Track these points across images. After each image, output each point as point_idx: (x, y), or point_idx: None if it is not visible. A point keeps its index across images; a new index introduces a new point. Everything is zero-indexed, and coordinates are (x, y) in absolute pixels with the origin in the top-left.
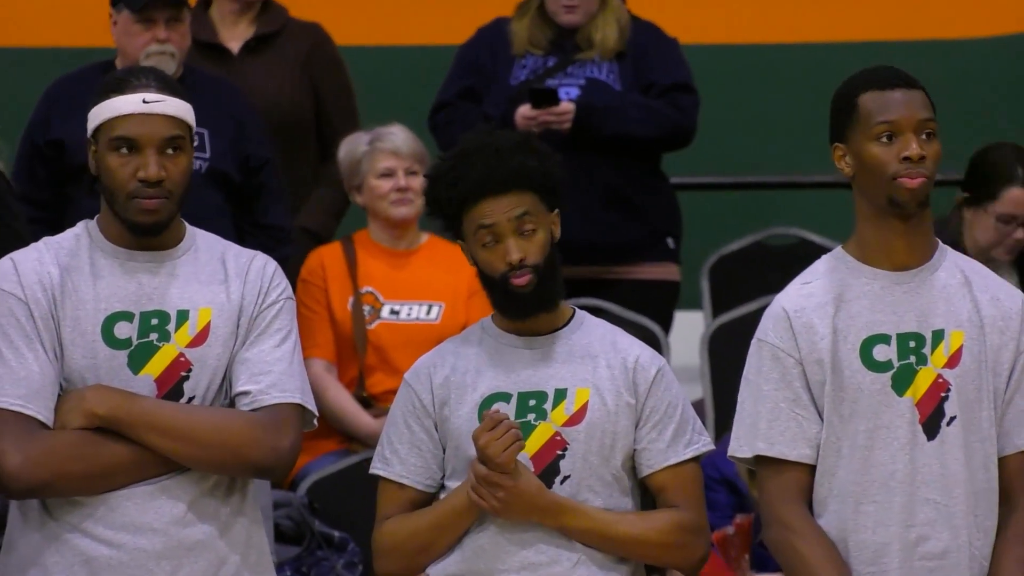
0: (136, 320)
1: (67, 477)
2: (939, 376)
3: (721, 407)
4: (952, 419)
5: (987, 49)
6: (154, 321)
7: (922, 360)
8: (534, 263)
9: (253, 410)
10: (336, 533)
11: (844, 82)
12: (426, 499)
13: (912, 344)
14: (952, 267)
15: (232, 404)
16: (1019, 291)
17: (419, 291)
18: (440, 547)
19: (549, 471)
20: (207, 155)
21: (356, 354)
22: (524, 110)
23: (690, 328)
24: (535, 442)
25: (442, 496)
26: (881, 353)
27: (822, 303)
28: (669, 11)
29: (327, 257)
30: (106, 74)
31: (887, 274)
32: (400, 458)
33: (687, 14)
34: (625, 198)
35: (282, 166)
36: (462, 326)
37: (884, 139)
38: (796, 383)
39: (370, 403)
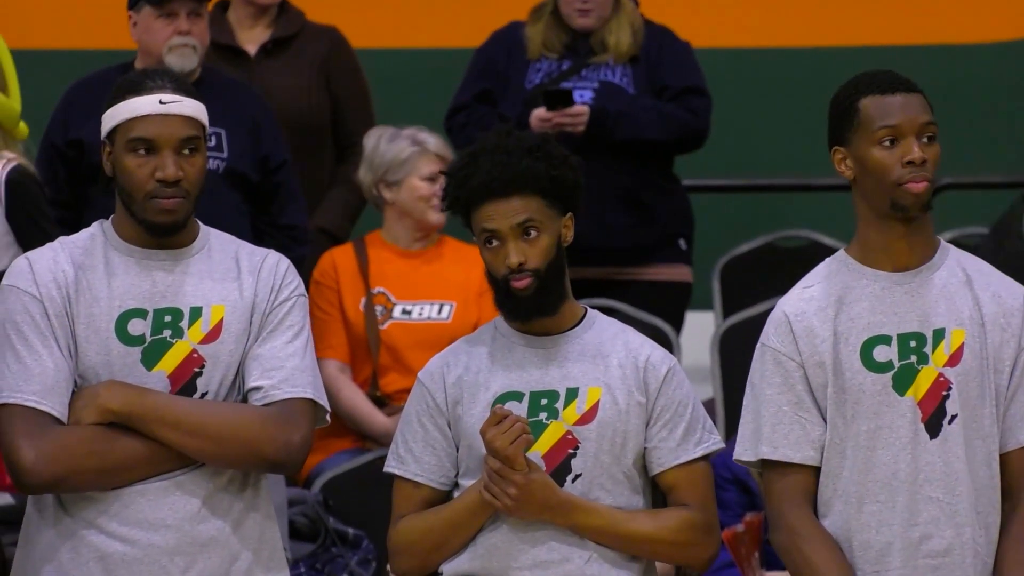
0: (150, 317)
1: (81, 472)
2: (940, 375)
3: (731, 407)
4: (954, 417)
5: (993, 54)
6: (167, 318)
7: (923, 359)
8: (535, 267)
9: (265, 405)
10: (350, 530)
11: (843, 86)
12: (440, 497)
13: (913, 344)
14: (954, 265)
15: (245, 400)
16: (1021, 287)
17: (431, 291)
18: (454, 545)
19: (561, 470)
20: (225, 155)
21: (369, 354)
22: (539, 112)
23: (701, 328)
24: (547, 441)
25: (456, 494)
26: (881, 354)
27: (823, 306)
28: (681, 15)
29: (339, 259)
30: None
31: (888, 275)
32: (415, 457)
33: (699, 18)
34: (638, 200)
35: (298, 168)
36: (474, 325)
37: (886, 143)
38: (799, 386)
39: (384, 402)
